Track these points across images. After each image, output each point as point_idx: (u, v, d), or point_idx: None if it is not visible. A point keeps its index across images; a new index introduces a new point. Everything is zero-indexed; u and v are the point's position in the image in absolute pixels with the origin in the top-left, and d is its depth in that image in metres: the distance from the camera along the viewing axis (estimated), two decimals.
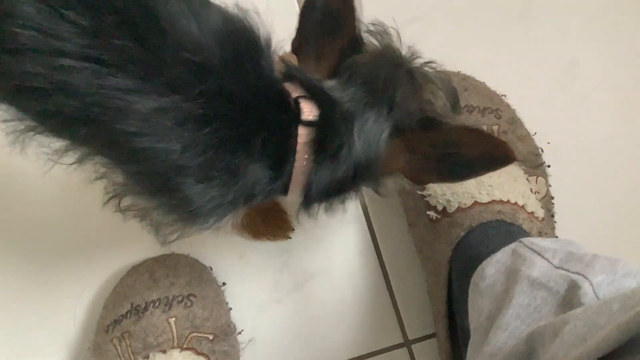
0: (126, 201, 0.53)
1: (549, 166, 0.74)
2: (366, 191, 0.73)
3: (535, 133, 0.75)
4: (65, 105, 0.42)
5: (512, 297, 0.50)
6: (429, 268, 0.70)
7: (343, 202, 0.55)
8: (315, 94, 0.50)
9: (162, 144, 0.44)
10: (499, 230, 0.64)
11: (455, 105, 0.57)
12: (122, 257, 0.70)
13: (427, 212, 0.69)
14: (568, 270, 0.48)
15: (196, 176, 0.46)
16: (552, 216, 0.72)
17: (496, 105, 0.73)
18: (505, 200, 0.66)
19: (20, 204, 0.69)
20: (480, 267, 0.56)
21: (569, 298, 0.47)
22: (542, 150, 0.74)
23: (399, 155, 0.52)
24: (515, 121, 0.73)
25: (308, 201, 0.52)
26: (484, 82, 0.75)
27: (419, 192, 0.70)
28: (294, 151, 0.49)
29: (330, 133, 0.49)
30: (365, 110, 0.49)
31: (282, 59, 0.52)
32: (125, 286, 0.66)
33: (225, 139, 0.45)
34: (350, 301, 0.74)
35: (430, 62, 0.55)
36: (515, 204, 0.67)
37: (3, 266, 0.68)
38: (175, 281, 0.65)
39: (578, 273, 0.47)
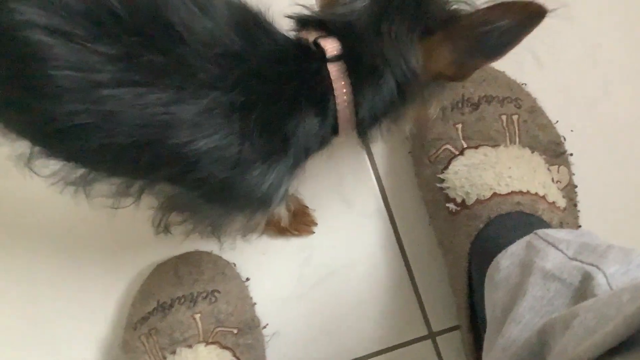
0: (175, 216, 0.55)
1: (571, 154, 0.73)
2: (388, 185, 0.75)
3: (557, 121, 0.74)
4: (116, 134, 0.43)
5: (525, 289, 0.49)
6: (450, 261, 0.70)
7: (395, 121, 0.54)
8: (331, 28, 0.50)
9: (218, 141, 0.45)
10: (518, 221, 0.64)
11: None
12: (149, 255, 0.72)
13: (446, 205, 0.69)
14: (582, 262, 0.48)
15: (259, 160, 0.47)
16: (575, 205, 0.71)
17: (516, 94, 0.73)
18: (524, 190, 0.66)
19: (53, 207, 0.72)
20: (495, 259, 0.56)
21: (583, 290, 0.46)
22: (565, 139, 0.73)
23: (436, 52, 0.50)
24: (535, 110, 0.73)
25: (361, 128, 0.53)
26: (503, 72, 0.74)
27: (437, 184, 0.70)
28: (331, 90, 0.50)
29: (358, 58, 0.49)
30: (390, 16, 0.49)
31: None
32: (151, 284, 0.68)
33: (272, 115, 0.47)
34: (373, 294, 0.75)
35: None
36: (536, 194, 0.66)
37: (38, 265, 0.71)
38: (199, 278, 0.67)
39: (592, 264, 0.47)
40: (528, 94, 0.74)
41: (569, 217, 0.69)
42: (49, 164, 0.47)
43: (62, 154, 0.46)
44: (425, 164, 0.72)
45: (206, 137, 0.45)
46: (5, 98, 0.43)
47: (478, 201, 0.66)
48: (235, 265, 0.72)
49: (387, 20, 0.49)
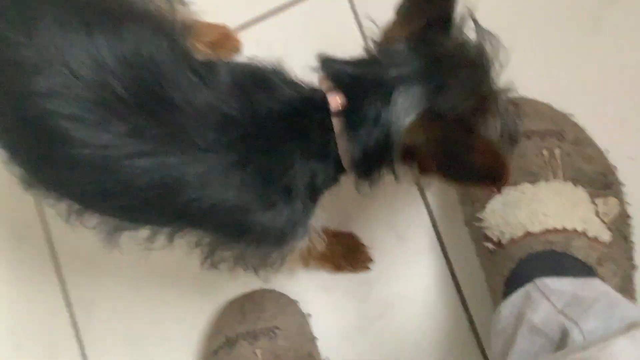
0: (218, 255, 0.63)
1: (623, 185, 0.70)
2: (440, 222, 0.77)
3: (609, 151, 0.71)
4: (133, 197, 0.54)
5: (515, 341, 0.51)
6: (494, 300, 0.71)
7: (393, 173, 0.57)
8: (340, 82, 0.55)
9: (217, 195, 0.54)
10: (546, 261, 0.63)
11: (510, 137, 0.59)
12: (228, 291, 0.82)
13: (484, 244, 0.70)
14: (566, 316, 0.48)
15: (260, 207, 0.55)
16: (625, 237, 0.68)
17: (559, 126, 0.71)
18: (560, 228, 0.65)
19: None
20: (498, 308, 0.57)
21: (562, 346, 0.47)
22: (616, 168, 0.70)
23: (419, 134, 0.53)
24: (580, 141, 0.71)
25: (356, 172, 0.57)
26: (547, 104, 0.73)
27: (476, 223, 0.71)
28: (334, 139, 0.55)
29: (358, 113, 0.54)
30: (411, 81, 0.53)
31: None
32: (221, 320, 0.78)
33: (268, 167, 0.54)
34: (431, 330, 0.78)
35: (509, 88, 0.57)
36: (574, 230, 0.65)
37: (135, 306, 0.84)
38: (261, 315, 0.76)
39: (572, 319, 0.47)
40: (574, 125, 0.72)
41: (616, 250, 0.66)
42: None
43: (96, 211, 0.58)
44: (468, 202, 0.73)
45: (209, 193, 0.53)
46: (44, 172, 0.56)
47: (512, 240, 0.67)
48: (297, 302, 0.79)
49: (408, 86, 0.53)
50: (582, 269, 0.62)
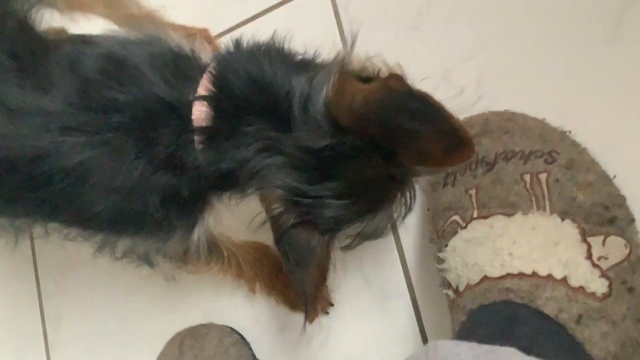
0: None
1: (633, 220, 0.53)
2: (412, 266, 0.64)
3: (615, 176, 0.54)
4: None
5: None
6: None
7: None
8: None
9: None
10: (499, 315, 0.48)
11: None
12: (198, 302, 0.74)
13: (444, 291, 0.56)
14: None
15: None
16: (631, 290, 0.50)
17: (550, 146, 0.56)
18: (528, 272, 0.50)
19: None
20: None
21: None
22: (624, 199, 0.53)
23: None
24: (576, 165, 0.55)
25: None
26: (540, 119, 0.59)
27: (437, 265, 0.58)
28: (193, 153, 0.48)
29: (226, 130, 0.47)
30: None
31: None
32: (161, 355, 0.70)
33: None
34: None
35: None
36: (548, 277, 0.50)
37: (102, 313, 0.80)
38: (199, 354, 0.67)
39: None
40: (571, 145, 0.56)
41: (614, 307, 0.49)
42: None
43: None
44: (434, 240, 0.60)
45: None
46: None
47: (468, 286, 0.53)
48: (247, 343, 0.69)
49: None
50: (545, 330, 0.47)
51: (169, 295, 0.75)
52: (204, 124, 0.47)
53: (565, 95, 0.61)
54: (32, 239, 0.85)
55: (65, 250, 0.80)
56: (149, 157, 0.47)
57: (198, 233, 0.53)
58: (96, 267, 0.77)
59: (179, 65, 0.49)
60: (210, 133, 0.47)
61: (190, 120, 0.47)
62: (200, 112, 0.47)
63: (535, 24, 0.64)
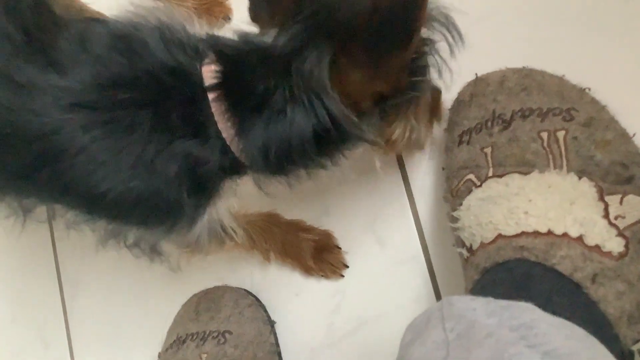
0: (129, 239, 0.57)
1: None
2: (427, 227, 0.64)
3: (635, 134, 0.53)
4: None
5: None
6: None
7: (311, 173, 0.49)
8: (218, 54, 0.47)
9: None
10: (513, 273, 0.48)
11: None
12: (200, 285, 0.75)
13: (458, 250, 0.56)
14: (448, 354, 0.34)
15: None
16: None
17: (568, 103, 0.55)
18: (543, 230, 0.49)
19: None
20: (405, 331, 0.43)
21: None
22: None
23: (347, 77, 0.44)
24: (596, 122, 0.53)
25: (255, 170, 0.49)
26: (559, 76, 0.57)
27: (451, 224, 0.57)
28: (212, 120, 0.46)
29: (241, 86, 0.45)
30: (303, 45, 0.43)
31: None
32: (178, 316, 0.71)
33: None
34: None
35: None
36: (563, 235, 0.49)
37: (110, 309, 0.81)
38: (215, 315, 0.67)
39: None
40: (591, 102, 0.55)
41: (630, 266, 0.48)
42: None
43: None
44: (449, 199, 0.59)
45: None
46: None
47: (482, 245, 0.52)
48: (262, 305, 0.70)
49: (302, 51, 0.43)
50: (559, 288, 0.46)
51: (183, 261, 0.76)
52: (215, 82, 0.46)
53: (585, 53, 0.60)
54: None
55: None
56: (164, 127, 0.46)
57: (211, 213, 0.52)
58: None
59: (188, 41, 0.48)
60: (222, 89, 0.46)
61: (202, 81, 0.46)
62: (210, 72, 0.47)
63: None
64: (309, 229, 0.67)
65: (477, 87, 0.59)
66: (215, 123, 0.46)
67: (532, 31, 0.62)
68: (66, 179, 0.48)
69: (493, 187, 0.54)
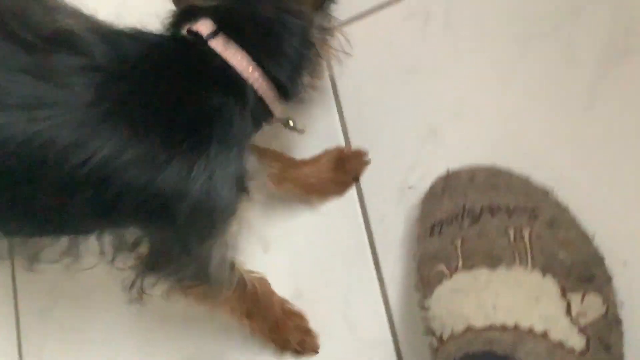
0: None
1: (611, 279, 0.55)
2: (397, 313, 0.65)
3: (594, 234, 0.57)
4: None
5: None
6: None
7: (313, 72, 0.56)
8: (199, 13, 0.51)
9: (108, 151, 0.45)
10: None
11: None
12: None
13: (428, 339, 0.57)
14: None
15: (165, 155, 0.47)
16: (607, 348, 0.52)
17: (533, 203, 0.59)
18: (510, 325, 0.51)
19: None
20: None
21: None
22: (603, 259, 0.56)
23: None
24: (558, 223, 0.57)
25: (284, 92, 0.53)
26: (524, 177, 0.61)
27: (422, 313, 0.59)
28: (227, 65, 0.50)
29: (240, 23, 0.51)
30: None
31: None
32: None
33: (158, 111, 0.47)
34: None
35: None
36: (529, 330, 0.51)
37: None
38: None
39: None
40: (554, 204, 0.59)
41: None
42: None
43: None
44: (419, 288, 0.61)
45: (97, 151, 0.45)
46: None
47: (451, 336, 0.54)
48: None
49: None
50: None
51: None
52: (212, 29, 0.50)
53: (548, 156, 0.64)
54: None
55: None
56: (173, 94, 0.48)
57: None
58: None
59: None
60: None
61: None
62: (205, 25, 0.50)
63: (520, 88, 0.67)
64: (287, 312, 0.67)
65: (449, 181, 0.63)
66: (231, 69, 0.50)
67: (502, 129, 0.67)
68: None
69: (463, 279, 0.56)
